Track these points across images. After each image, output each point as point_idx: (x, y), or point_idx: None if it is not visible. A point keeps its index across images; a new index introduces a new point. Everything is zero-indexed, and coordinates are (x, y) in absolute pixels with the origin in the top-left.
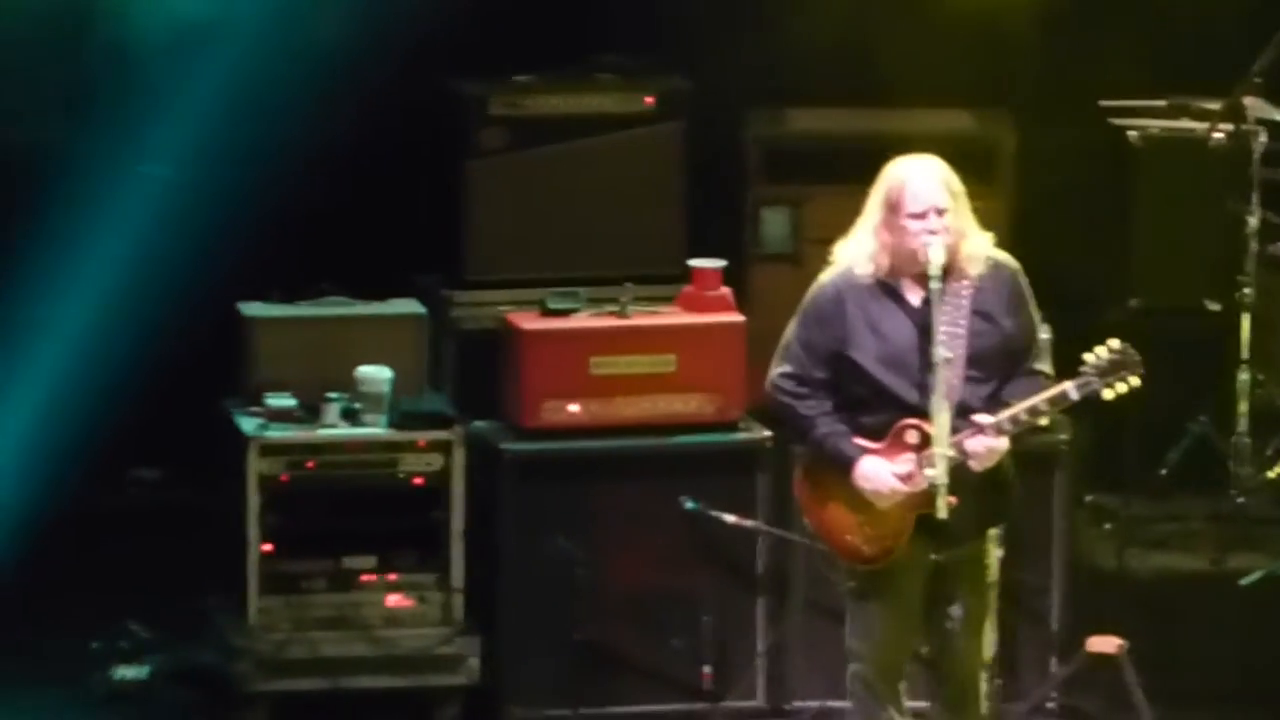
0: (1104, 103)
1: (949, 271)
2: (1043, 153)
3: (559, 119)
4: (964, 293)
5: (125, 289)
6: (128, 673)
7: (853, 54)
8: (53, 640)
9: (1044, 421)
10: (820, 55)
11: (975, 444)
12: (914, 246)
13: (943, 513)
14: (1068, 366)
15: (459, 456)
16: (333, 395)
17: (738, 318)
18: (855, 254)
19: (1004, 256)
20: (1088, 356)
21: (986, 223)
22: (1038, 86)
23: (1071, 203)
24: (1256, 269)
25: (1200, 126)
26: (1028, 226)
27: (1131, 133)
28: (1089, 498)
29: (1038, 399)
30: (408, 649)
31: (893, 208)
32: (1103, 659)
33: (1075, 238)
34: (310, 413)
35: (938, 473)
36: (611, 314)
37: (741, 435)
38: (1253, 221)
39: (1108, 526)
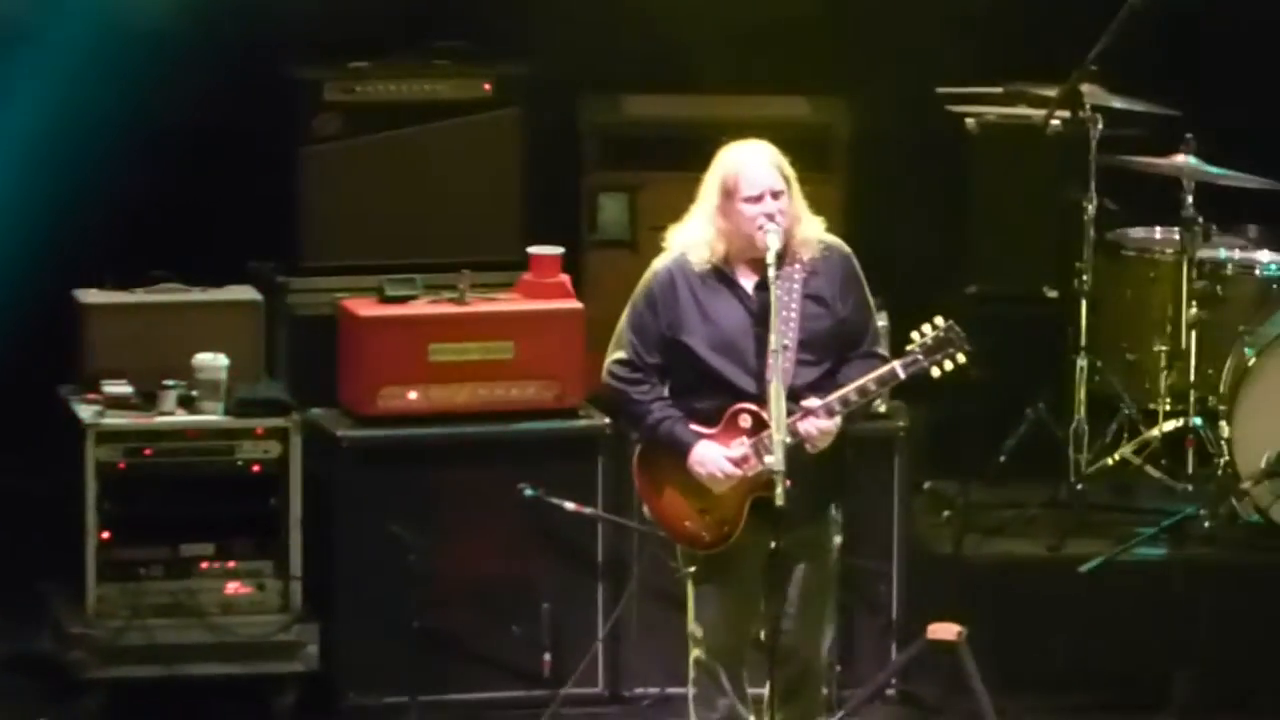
0: (941, 89)
1: (782, 257)
2: (879, 139)
3: (395, 105)
4: (796, 277)
5: None
6: None
7: (689, 40)
8: None
9: (880, 404)
10: (657, 41)
11: (807, 426)
12: (750, 231)
13: (780, 500)
14: (903, 351)
15: (296, 444)
16: (169, 382)
17: (576, 304)
18: (690, 240)
19: (836, 241)
20: (914, 335)
21: (823, 209)
22: (874, 73)
23: (909, 189)
24: (1094, 256)
25: (1037, 113)
26: (865, 213)
27: (969, 120)
28: (927, 484)
29: (866, 379)
30: (245, 636)
31: (728, 193)
32: (942, 645)
33: (913, 225)
34: (147, 400)
35: (776, 459)
36: (449, 301)
37: (580, 422)
38: (1090, 208)
39: (946, 513)
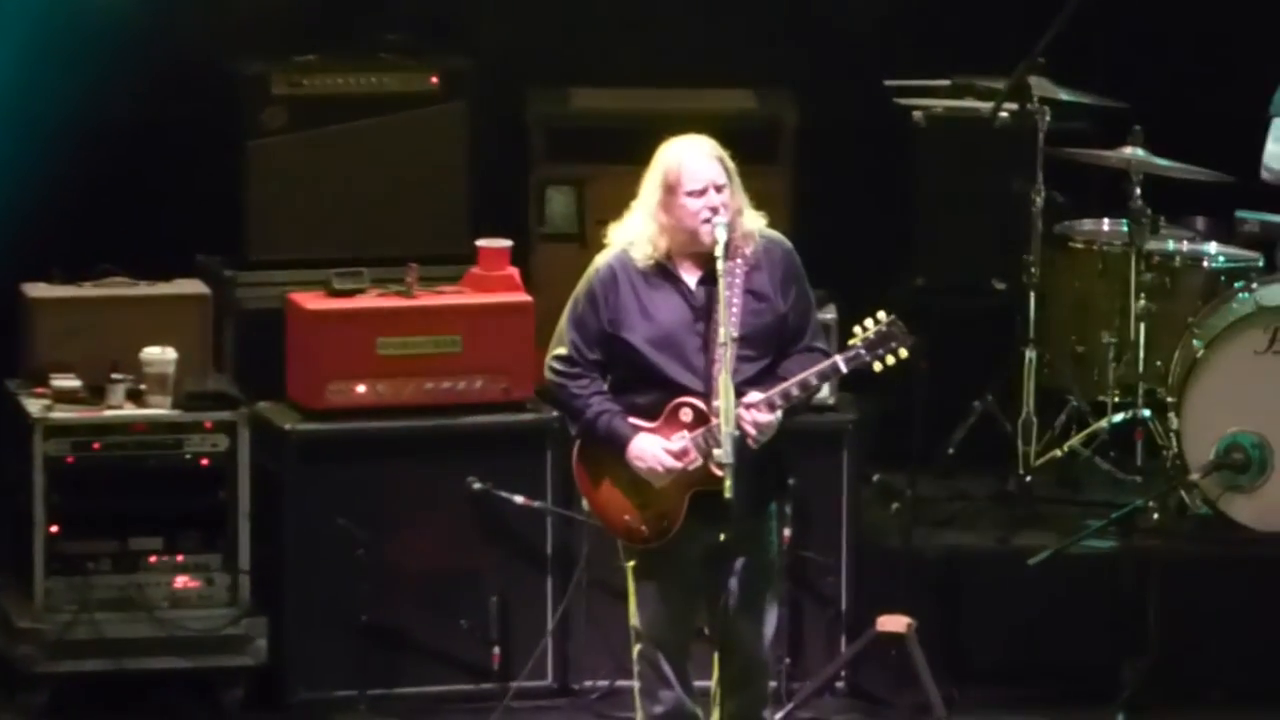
0: (888, 82)
1: (725, 252)
2: (826, 131)
3: (342, 98)
4: (737, 272)
5: None
6: None
7: (635, 33)
8: None
9: (829, 396)
10: (603, 34)
11: (747, 420)
12: (693, 225)
13: (729, 492)
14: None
15: (244, 437)
16: (117, 376)
17: (524, 298)
18: (632, 236)
19: (777, 235)
20: (856, 330)
21: (770, 201)
22: (821, 65)
23: (856, 182)
24: (1042, 248)
25: (985, 106)
26: (812, 206)
27: (916, 112)
28: (876, 477)
29: (808, 373)
30: (194, 630)
31: (670, 188)
32: (891, 637)
33: (860, 217)
34: (95, 394)
35: (724, 452)
36: (397, 294)
37: (529, 415)
38: (1038, 201)
39: (895, 506)
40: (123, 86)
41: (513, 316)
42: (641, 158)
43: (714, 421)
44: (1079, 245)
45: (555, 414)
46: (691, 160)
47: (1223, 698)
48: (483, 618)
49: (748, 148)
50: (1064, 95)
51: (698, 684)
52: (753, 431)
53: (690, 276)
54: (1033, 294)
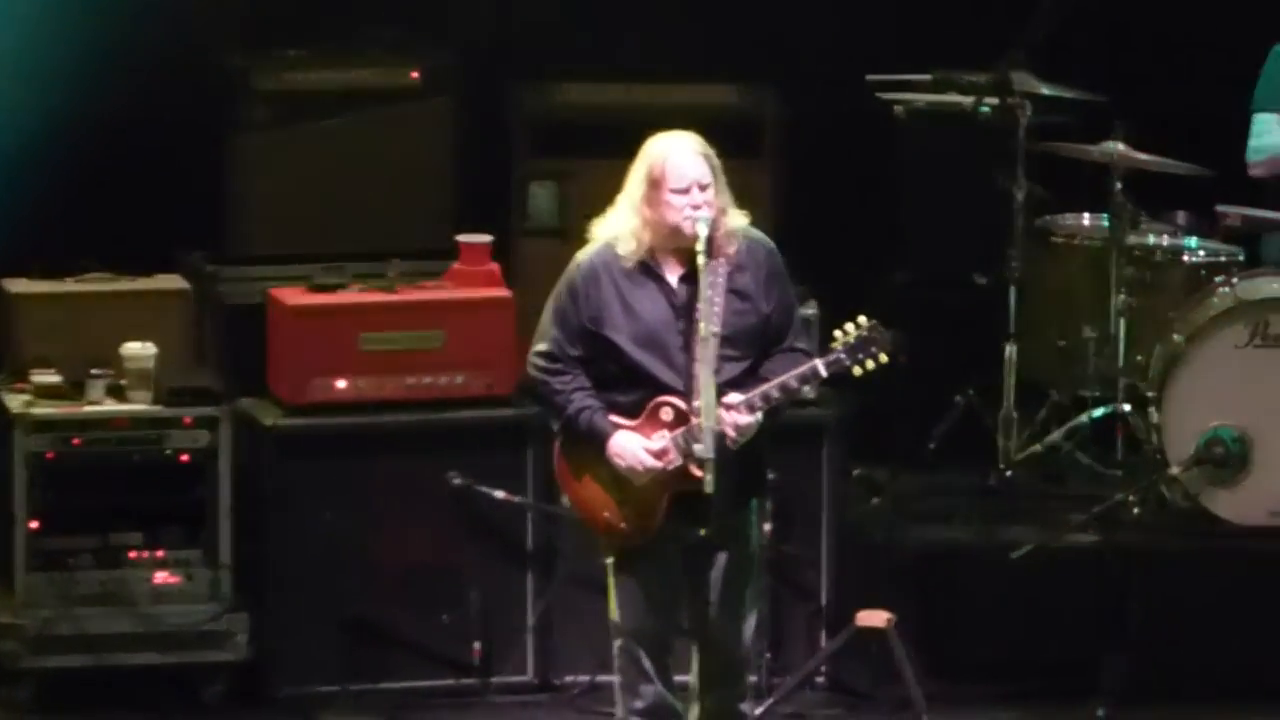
0: (870, 76)
1: (707, 250)
2: (809, 126)
3: (324, 93)
4: (720, 271)
5: None
6: None
7: (618, 28)
8: None
9: (808, 394)
10: (586, 29)
11: (727, 421)
12: (676, 222)
13: (710, 487)
14: (826, 348)
15: (226, 433)
16: (98, 372)
17: (506, 293)
18: (615, 232)
19: (759, 235)
20: (837, 333)
21: (753, 196)
22: (804, 60)
23: (838, 176)
24: (1023, 242)
25: (966, 100)
26: (794, 200)
27: (898, 106)
28: (857, 471)
29: (788, 376)
30: (175, 625)
31: (654, 183)
32: (872, 632)
33: (842, 211)
34: (76, 389)
35: (705, 447)
36: (379, 290)
37: (510, 411)
38: (1019, 195)
39: (876, 500)
40: (105, 81)
41: (495, 312)
42: (624, 152)
43: (694, 421)
44: (1060, 240)
45: (536, 409)
46: (676, 157)
47: (1204, 692)
48: (463, 613)
49: (730, 142)
50: (1045, 89)
51: (678, 679)
52: (732, 434)
53: (673, 274)
54: (1014, 288)
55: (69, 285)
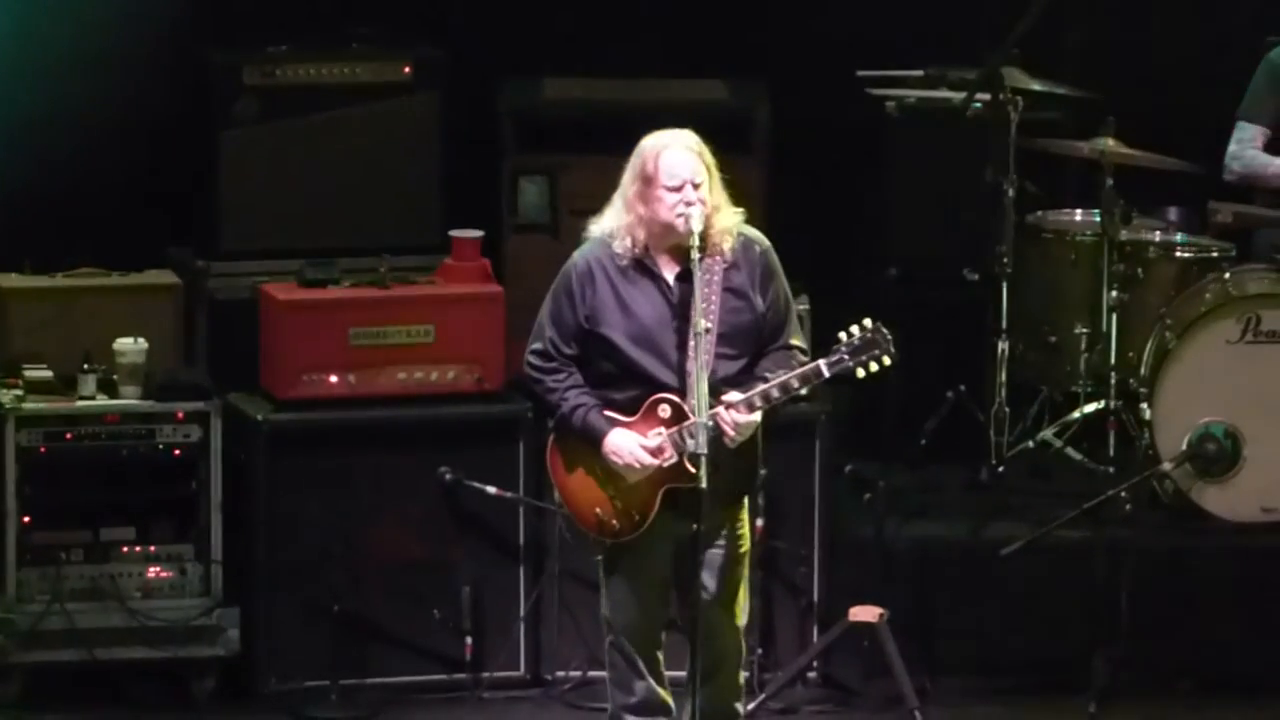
0: (861, 72)
1: (702, 247)
2: (799, 122)
3: (314, 88)
4: (716, 269)
5: None
6: None
7: (608, 23)
8: None
9: (803, 393)
10: (576, 24)
11: (727, 420)
12: (668, 219)
13: (704, 482)
14: (825, 336)
15: (217, 428)
16: (89, 367)
17: (496, 288)
18: (610, 228)
19: (755, 234)
20: (842, 335)
21: (743, 192)
22: (794, 56)
23: (829, 172)
24: (1014, 239)
25: (957, 96)
26: (785, 196)
27: (889, 102)
28: (848, 467)
29: (790, 375)
30: (166, 620)
31: (648, 180)
32: (863, 628)
33: (833, 208)
34: (67, 384)
35: (699, 442)
36: (369, 285)
37: (501, 405)
38: (1010, 191)
39: (867, 496)
40: (95, 76)
41: (485, 307)
42: (615, 148)
43: (691, 419)
44: (1051, 236)
45: (528, 404)
46: (670, 154)
47: (1194, 687)
48: (455, 608)
49: (720, 139)
50: (1036, 86)
51: (670, 674)
52: (731, 432)
53: (669, 272)
54: (1005, 284)
55: (60, 281)
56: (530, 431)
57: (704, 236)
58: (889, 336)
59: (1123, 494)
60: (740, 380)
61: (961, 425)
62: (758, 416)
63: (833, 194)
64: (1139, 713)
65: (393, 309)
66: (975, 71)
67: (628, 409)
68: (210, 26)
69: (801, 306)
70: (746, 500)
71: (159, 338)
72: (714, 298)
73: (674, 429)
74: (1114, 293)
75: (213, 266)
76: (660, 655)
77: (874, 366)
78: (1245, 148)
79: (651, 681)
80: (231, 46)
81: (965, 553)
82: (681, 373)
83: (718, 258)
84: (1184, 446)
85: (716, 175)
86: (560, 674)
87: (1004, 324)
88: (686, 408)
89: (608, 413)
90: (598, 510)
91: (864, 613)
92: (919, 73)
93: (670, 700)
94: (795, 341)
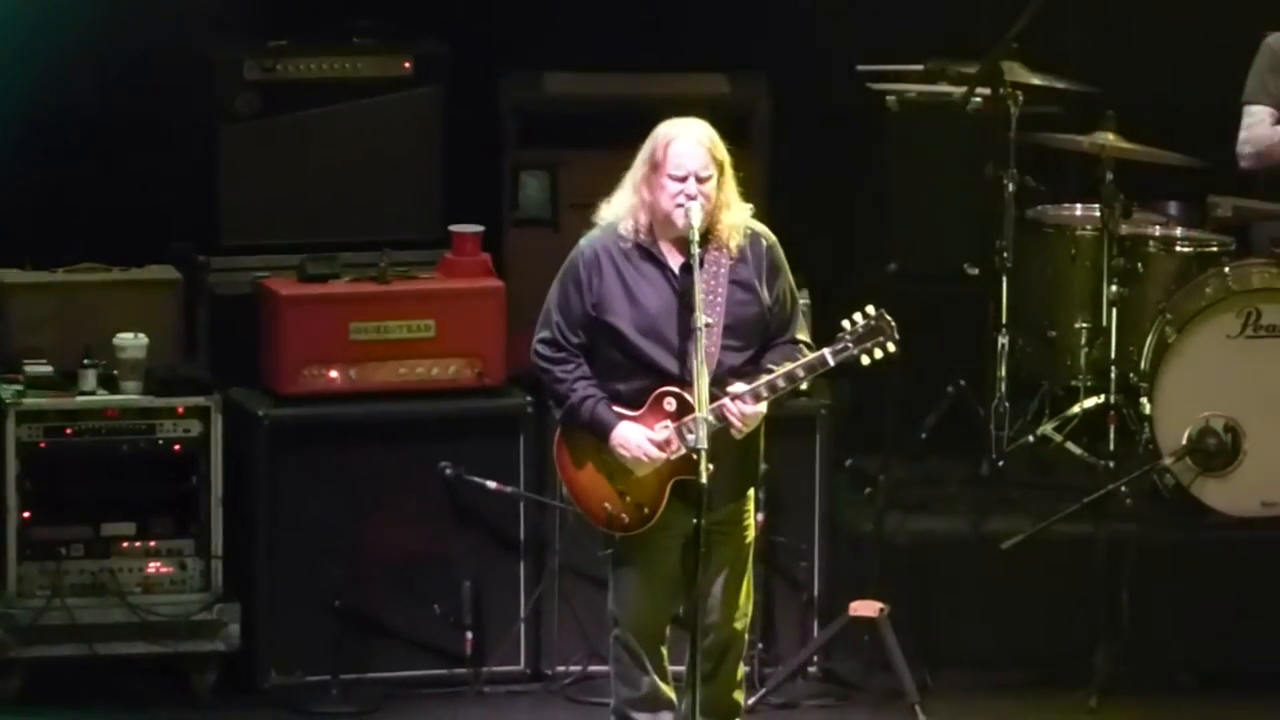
0: (861, 67)
1: (708, 240)
2: (800, 116)
3: (315, 83)
4: (723, 263)
5: None
6: None
7: (609, 17)
8: None
9: (804, 387)
10: (576, 18)
11: (733, 411)
12: (668, 208)
13: (704, 476)
14: (826, 331)
15: (217, 422)
16: (90, 362)
17: (497, 283)
18: (617, 212)
19: (762, 229)
20: (845, 324)
21: (744, 186)
22: (795, 50)
23: (829, 167)
24: (1015, 233)
25: (957, 91)
26: (785, 191)
27: (889, 97)
28: (849, 461)
29: (795, 365)
30: (167, 615)
31: (655, 166)
32: (863, 622)
33: (833, 202)
34: (68, 379)
35: (699, 436)
36: (370, 279)
37: (502, 400)
38: (1011, 185)
39: (868, 490)
40: (97, 72)
41: (485, 301)
42: (615, 142)
43: (695, 416)
44: (1051, 230)
45: (528, 399)
46: (679, 144)
47: (1195, 681)
48: (455, 603)
49: (721, 132)
50: (1036, 80)
51: (671, 668)
52: (738, 423)
53: (675, 262)
54: (1005, 279)
55: (60, 276)
56: (531, 426)
57: (711, 232)
58: (892, 323)
59: (1123, 488)
60: (745, 372)
61: (962, 420)
62: (764, 407)
63: (833, 188)
64: (1139, 707)
65: (393, 304)
66: (976, 66)
67: (633, 401)
68: (211, 22)
69: (802, 300)
70: (751, 494)
71: (159, 333)
72: (720, 290)
73: (680, 422)
74: (1114, 287)
75: (213, 261)
76: (664, 650)
77: (878, 353)
78: (1254, 130)
79: (655, 677)
80: (232, 41)
81: (966, 547)
82: (686, 362)
83: (724, 251)
84: (1184, 440)
85: (730, 173)
86: (561, 669)
87: (1004, 318)
88: (691, 400)
89: (615, 407)
90: (606, 504)
91: (864, 607)
92: (919, 67)
93: (674, 695)
94: (801, 336)
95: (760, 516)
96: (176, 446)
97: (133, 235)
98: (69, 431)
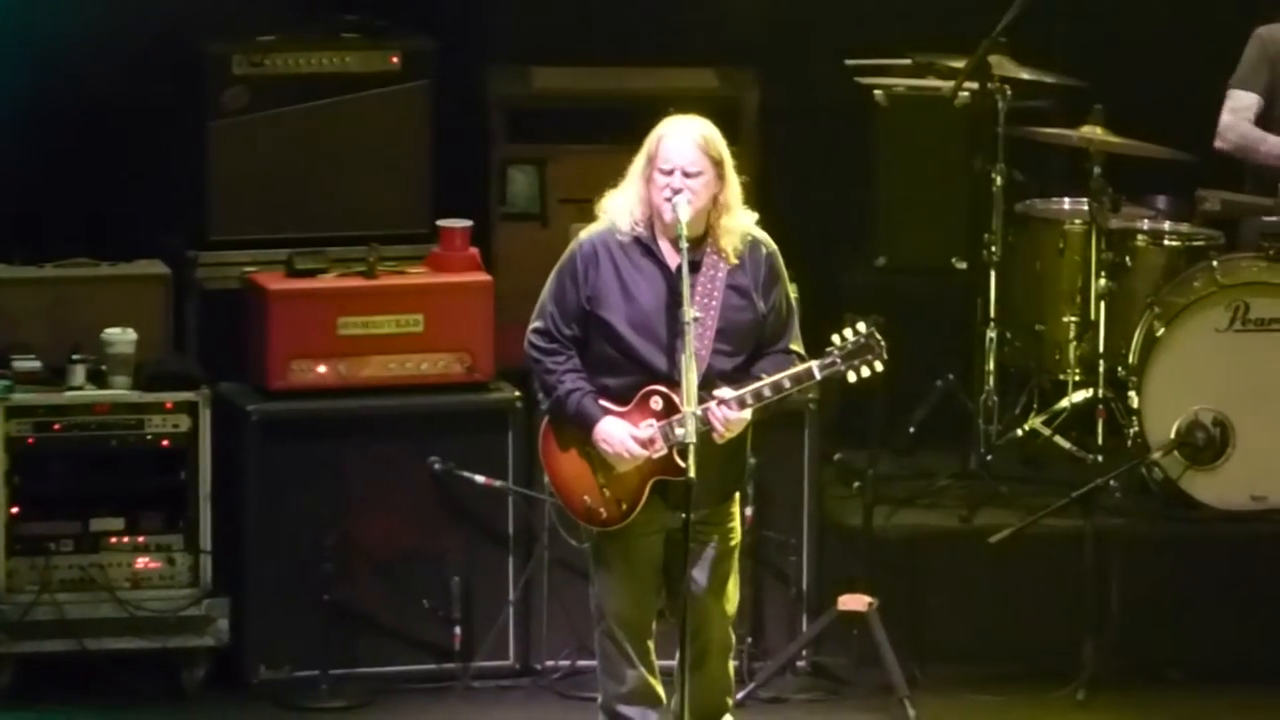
0: (850, 61)
1: (706, 241)
2: (788, 111)
3: (303, 78)
4: (721, 266)
5: None
6: None
7: (597, 12)
8: None
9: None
10: (564, 13)
11: (717, 416)
12: (657, 201)
13: (692, 471)
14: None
15: (206, 417)
16: (78, 357)
17: (485, 277)
18: (618, 204)
19: (763, 236)
20: (835, 338)
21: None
22: (783, 45)
23: (818, 161)
24: (1003, 227)
25: (946, 85)
26: (774, 185)
27: (877, 91)
28: (837, 456)
29: (782, 376)
30: (155, 610)
31: (649, 159)
32: (852, 616)
33: (822, 197)
34: (56, 375)
35: (687, 431)
36: (358, 274)
37: (490, 395)
38: (999, 180)
39: (856, 485)
40: (84, 66)
41: (474, 296)
42: (603, 137)
43: (683, 412)
44: (1040, 224)
45: (516, 394)
46: (671, 139)
47: (1183, 676)
48: (444, 598)
49: None
50: (1025, 74)
51: (660, 664)
52: (720, 428)
53: (671, 258)
54: (993, 273)
55: (49, 271)
56: (520, 421)
57: (710, 234)
58: (882, 342)
59: (1112, 482)
60: (735, 377)
61: (950, 414)
62: (748, 414)
63: (821, 182)
64: (1128, 701)
65: (382, 298)
66: (964, 60)
67: (622, 397)
68: (200, 16)
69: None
70: (737, 495)
71: (148, 328)
72: (716, 293)
73: (665, 421)
74: (1102, 281)
75: (201, 256)
76: (651, 645)
77: (865, 371)
78: (1240, 118)
79: (643, 670)
80: (221, 36)
81: (954, 541)
82: (677, 360)
83: (722, 254)
84: (1173, 434)
85: (731, 177)
86: (550, 663)
87: (992, 313)
88: (678, 401)
89: (602, 401)
90: (586, 497)
91: (853, 601)
92: (907, 61)
93: (661, 690)
94: (794, 347)
95: (749, 511)
96: (165, 442)
97: (121, 230)
98: (57, 427)
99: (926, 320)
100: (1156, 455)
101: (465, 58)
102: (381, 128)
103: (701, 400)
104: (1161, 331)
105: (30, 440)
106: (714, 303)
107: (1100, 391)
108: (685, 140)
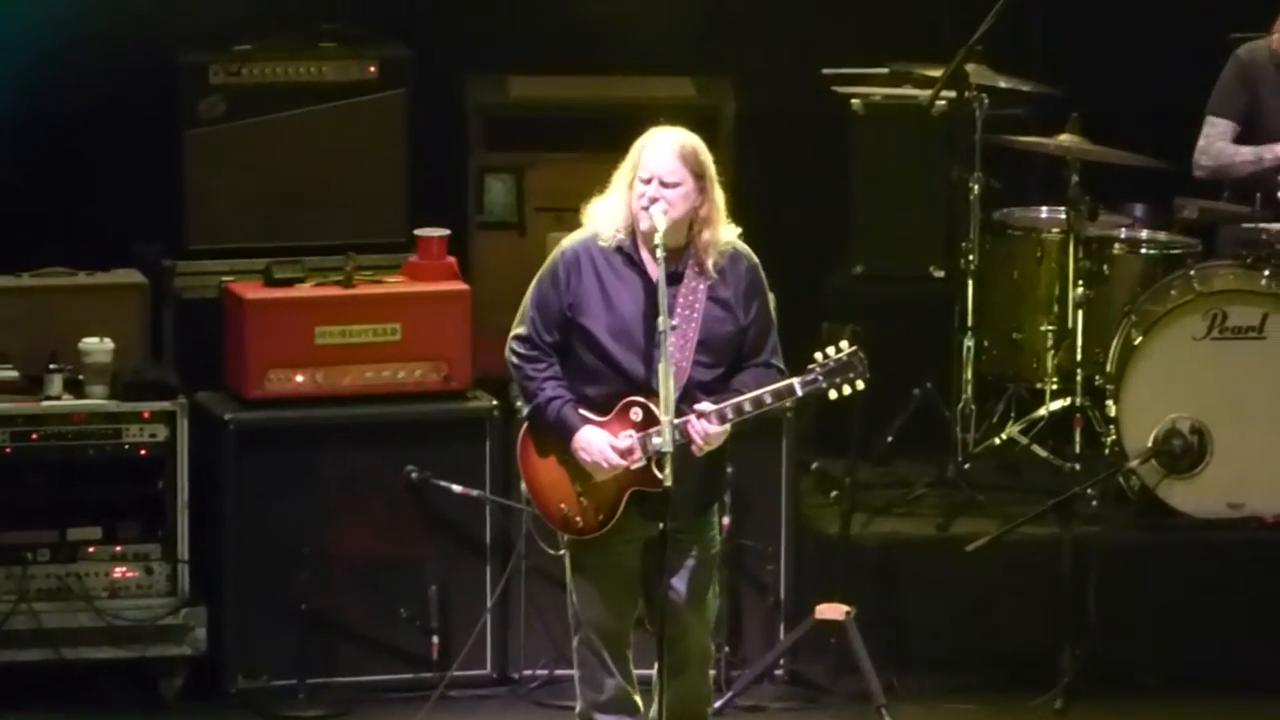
0: (826, 70)
1: (687, 253)
2: (765, 120)
3: (281, 87)
4: (702, 277)
5: None
6: None
7: (574, 21)
8: None
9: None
10: (541, 22)
11: (696, 429)
12: (636, 210)
13: (669, 481)
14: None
15: (183, 427)
16: (55, 366)
17: (462, 286)
18: (602, 212)
19: (745, 249)
20: (818, 356)
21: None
22: (760, 54)
23: (795, 170)
24: (980, 235)
25: (923, 94)
26: (751, 194)
27: (854, 100)
28: (814, 464)
29: (763, 391)
30: (133, 620)
31: (631, 167)
32: (830, 625)
33: (799, 205)
34: (33, 384)
35: (664, 440)
36: (336, 283)
37: (468, 404)
38: (976, 188)
39: (834, 493)
40: (62, 76)
41: (451, 305)
42: (580, 146)
43: (663, 423)
44: (1017, 232)
45: (494, 403)
46: (652, 148)
47: (1161, 683)
48: (422, 607)
49: None
50: (1002, 82)
51: (638, 673)
52: (699, 441)
53: (652, 268)
54: (971, 281)
55: (26, 280)
56: (497, 430)
57: (691, 246)
58: (865, 360)
59: (1089, 490)
60: (715, 390)
61: (928, 422)
62: (728, 429)
63: (798, 191)
64: (1105, 709)
65: (359, 307)
66: (941, 69)
67: (602, 407)
68: (176, 26)
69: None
70: (715, 506)
71: (125, 337)
72: (697, 305)
73: (644, 432)
74: (1080, 289)
75: (179, 265)
76: (629, 653)
77: (847, 389)
78: (1213, 142)
79: (621, 679)
80: (198, 46)
81: (932, 549)
82: (656, 370)
83: (703, 266)
84: (1150, 443)
85: (714, 190)
86: (527, 672)
87: (970, 321)
88: (658, 412)
89: (581, 410)
90: (563, 505)
91: (831, 610)
92: (884, 70)
93: (639, 699)
94: (775, 361)
95: (726, 520)
96: (143, 451)
97: (98, 239)
98: (35, 436)
99: (904, 328)
100: (1134, 463)
101: (442, 66)
102: (359, 136)
103: (681, 414)
104: (1139, 340)
105: (7, 450)
106: (695, 314)
107: (1078, 400)
108: (665, 150)
